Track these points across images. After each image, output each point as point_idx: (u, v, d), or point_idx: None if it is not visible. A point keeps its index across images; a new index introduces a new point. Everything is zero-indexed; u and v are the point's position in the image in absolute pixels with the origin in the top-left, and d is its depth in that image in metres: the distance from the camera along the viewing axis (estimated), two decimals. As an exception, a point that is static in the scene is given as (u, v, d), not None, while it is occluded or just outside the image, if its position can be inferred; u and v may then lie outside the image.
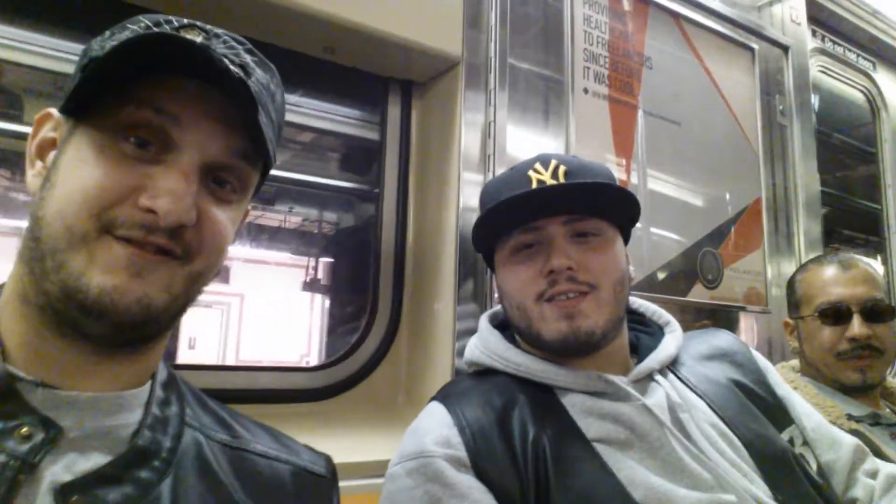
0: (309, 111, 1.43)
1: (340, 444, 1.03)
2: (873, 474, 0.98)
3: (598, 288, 0.88)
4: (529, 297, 0.90)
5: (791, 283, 1.59)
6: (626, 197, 0.92)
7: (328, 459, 0.76)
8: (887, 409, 1.55)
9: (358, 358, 1.31)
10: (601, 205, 0.91)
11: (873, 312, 1.41)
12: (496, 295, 1.22)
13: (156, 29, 0.58)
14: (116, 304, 0.53)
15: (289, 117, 1.41)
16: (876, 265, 2.45)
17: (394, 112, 1.42)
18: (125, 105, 0.56)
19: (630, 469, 0.79)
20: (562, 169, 0.91)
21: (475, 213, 1.29)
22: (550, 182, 0.90)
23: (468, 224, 1.28)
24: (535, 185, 0.90)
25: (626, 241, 0.99)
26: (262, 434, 0.73)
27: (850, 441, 1.00)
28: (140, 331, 0.56)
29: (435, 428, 0.84)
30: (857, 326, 1.39)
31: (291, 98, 1.39)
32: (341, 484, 0.75)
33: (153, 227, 0.54)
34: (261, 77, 0.62)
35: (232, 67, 0.57)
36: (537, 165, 0.92)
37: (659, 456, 0.81)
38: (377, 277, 1.34)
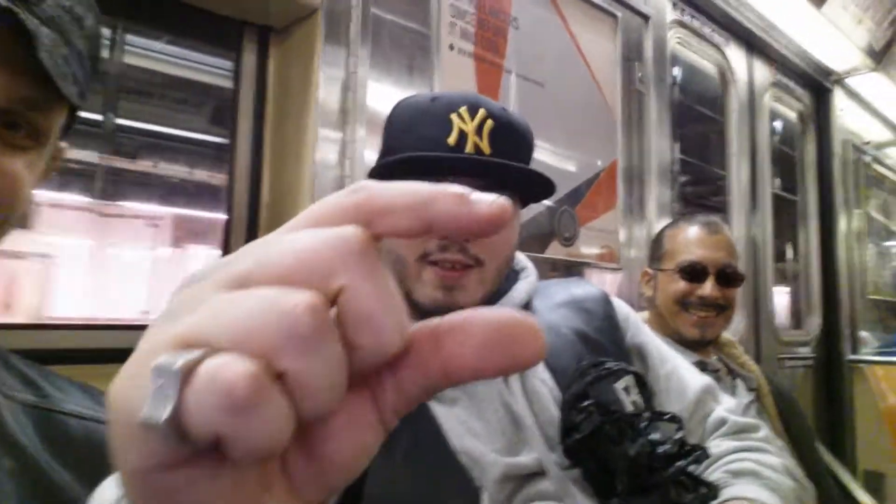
0: (155, 55, 1.33)
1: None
2: (705, 417, 0.99)
3: (484, 265, 0.84)
4: (413, 253, 0.83)
5: (658, 237, 1.73)
6: (547, 185, 0.87)
7: None
8: (714, 357, 1.73)
9: (208, 315, 1.26)
10: (519, 184, 0.87)
11: (726, 277, 1.58)
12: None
13: None
14: None
15: (133, 62, 1.31)
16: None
17: (249, 59, 1.35)
18: None
19: (453, 426, 0.79)
20: (488, 125, 0.83)
21: (332, 170, 1.27)
22: (473, 138, 0.82)
23: (323, 184, 1.25)
24: (454, 134, 0.82)
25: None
26: (78, 394, 0.69)
27: (695, 387, 1.00)
28: None
29: None
30: (709, 287, 1.56)
31: (136, 40, 1.30)
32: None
33: None
34: None
35: None
36: (463, 110, 0.83)
37: (484, 414, 0.81)
38: (228, 233, 1.29)
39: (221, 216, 1.33)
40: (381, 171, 0.87)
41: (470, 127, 0.83)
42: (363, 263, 0.22)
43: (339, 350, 0.21)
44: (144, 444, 0.21)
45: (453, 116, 0.83)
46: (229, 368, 0.19)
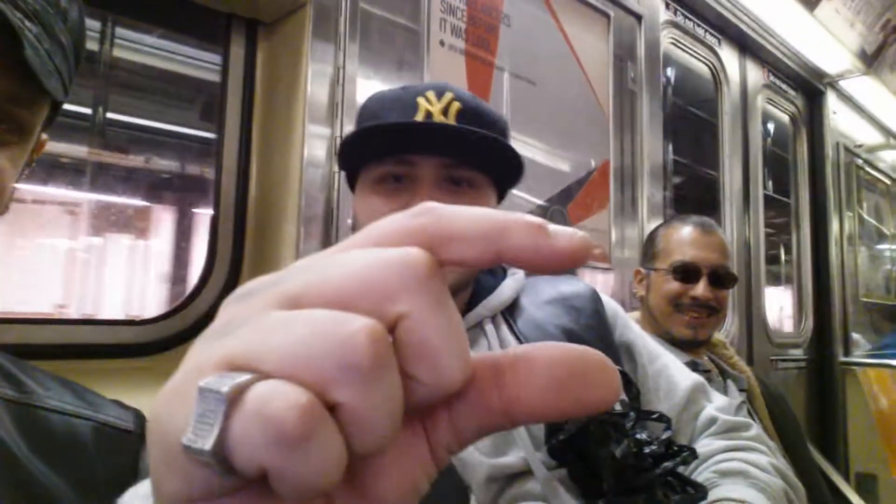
0: (143, 48, 1.32)
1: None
2: (696, 415, 0.99)
3: None
4: None
5: (652, 236, 1.72)
6: (514, 158, 0.85)
7: (137, 414, 0.71)
8: (706, 357, 1.72)
9: (194, 310, 1.24)
10: (486, 158, 0.85)
11: (719, 278, 1.57)
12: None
13: None
14: None
15: (119, 54, 1.30)
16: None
17: (237, 53, 1.33)
18: None
19: None
20: (455, 106, 0.83)
21: (321, 165, 1.25)
22: (439, 117, 0.82)
23: (312, 179, 1.23)
24: (420, 114, 0.82)
25: (499, 200, 0.94)
26: (59, 390, 0.68)
27: (685, 385, 0.99)
28: None
29: None
30: (702, 288, 1.55)
31: (126, 33, 1.28)
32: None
33: None
34: None
35: None
36: (430, 94, 0.84)
37: None
38: (216, 227, 1.27)
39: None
40: (351, 142, 0.86)
41: (436, 108, 0.83)
42: (428, 290, 0.20)
43: (398, 383, 0.19)
44: (185, 470, 0.19)
45: (420, 99, 0.83)
46: (280, 397, 0.18)
